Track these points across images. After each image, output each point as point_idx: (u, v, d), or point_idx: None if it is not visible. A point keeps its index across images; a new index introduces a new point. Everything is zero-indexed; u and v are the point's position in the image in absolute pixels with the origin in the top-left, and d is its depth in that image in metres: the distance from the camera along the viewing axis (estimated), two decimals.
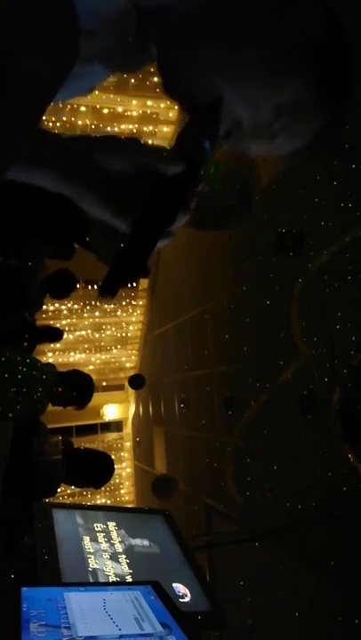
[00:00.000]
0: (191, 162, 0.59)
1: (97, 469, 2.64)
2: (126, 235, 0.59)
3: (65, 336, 7.09)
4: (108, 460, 2.69)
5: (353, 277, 2.57)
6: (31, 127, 0.52)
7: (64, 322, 7.05)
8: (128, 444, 8.49)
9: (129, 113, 5.75)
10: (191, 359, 5.29)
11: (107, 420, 8.23)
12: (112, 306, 7.34)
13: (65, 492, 6.78)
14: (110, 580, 1.34)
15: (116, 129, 5.78)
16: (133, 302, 7.47)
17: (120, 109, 5.70)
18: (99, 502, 7.49)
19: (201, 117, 0.62)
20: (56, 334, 4.34)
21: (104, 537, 1.53)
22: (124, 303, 7.42)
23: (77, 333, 7.32)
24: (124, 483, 8.23)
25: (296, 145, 0.67)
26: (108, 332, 7.60)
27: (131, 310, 7.53)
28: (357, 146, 2.50)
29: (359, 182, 2.52)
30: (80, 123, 5.69)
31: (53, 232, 1.79)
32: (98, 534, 1.53)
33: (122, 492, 8.16)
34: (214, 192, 1.71)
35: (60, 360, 7.18)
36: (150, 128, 5.80)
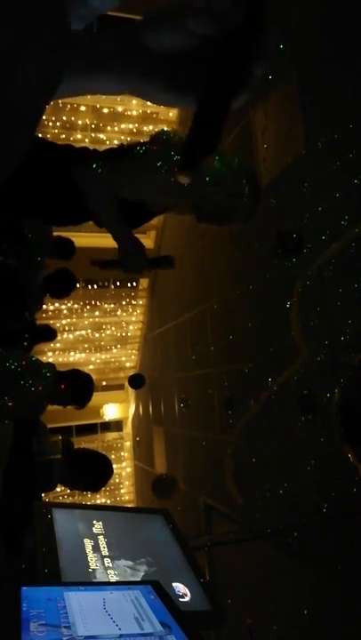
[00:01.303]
0: (248, 6, 0.50)
1: (95, 473, 2.63)
2: (198, 106, 0.52)
3: (65, 335, 7.11)
4: (107, 464, 2.68)
5: (353, 277, 2.57)
6: (31, 133, 0.51)
7: (64, 321, 7.05)
8: (128, 443, 8.49)
9: (129, 112, 5.76)
10: (191, 359, 5.29)
11: (107, 419, 8.23)
12: (112, 305, 7.34)
13: (65, 492, 6.78)
14: (110, 579, 1.34)
15: (116, 128, 5.78)
16: (133, 302, 7.47)
17: (120, 109, 5.71)
18: (99, 502, 7.49)
19: None
20: (51, 334, 4.35)
21: (104, 536, 1.53)
22: (124, 303, 7.42)
23: (77, 333, 7.32)
24: (124, 482, 8.23)
25: None
26: (107, 332, 7.60)
27: (131, 310, 7.53)
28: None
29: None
30: (80, 122, 5.69)
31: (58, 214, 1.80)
32: (98, 534, 1.53)
33: (122, 491, 8.16)
34: (222, 186, 1.70)
35: (60, 360, 7.18)
36: (150, 128, 5.80)
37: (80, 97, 5.63)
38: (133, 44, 0.56)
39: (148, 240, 6.51)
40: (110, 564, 1.40)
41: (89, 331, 7.41)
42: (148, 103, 5.57)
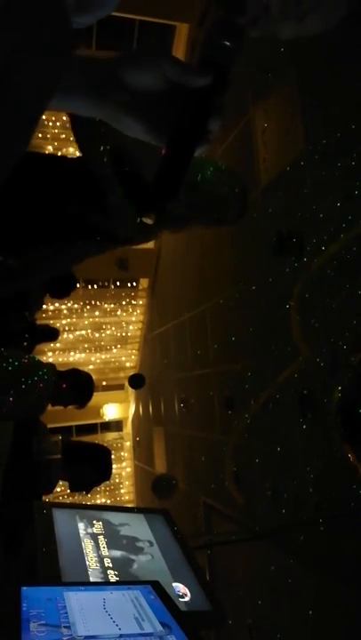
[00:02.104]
0: (217, 67, 0.58)
1: (96, 462, 2.62)
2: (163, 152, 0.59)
3: (65, 335, 7.11)
4: (106, 454, 2.67)
5: (353, 277, 2.57)
6: (30, 133, 0.51)
7: (64, 321, 7.05)
8: (128, 443, 8.49)
9: None
10: (191, 359, 5.29)
11: (107, 419, 8.23)
12: (112, 305, 7.34)
13: (65, 492, 6.78)
14: (110, 579, 1.34)
15: None
16: (133, 302, 7.47)
17: None
18: (99, 502, 7.49)
19: (223, 8, 0.60)
20: (52, 334, 4.35)
21: (104, 536, 1.53)
22: (124, 303, 7.42)
23: (77, 333, 7.32)
24: (124, 482, 8.23)
25: (329, 21, 0.64)
26: (108, 332, 7.60)
27: (131, 310, 7.53)
28: None
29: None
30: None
31: (56, 236, 1.80)
32: (98, 534, 1.53)
33: (122, 491, 8.16)
34: (210, 190, 1.71)
35: (60, 359, 7.18)
36: None
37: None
38: (112, 74, 0.59)
39: None
40: (110, 564, 1.40)
41: (89, 331, 7.41)
42: None
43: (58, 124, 5.57)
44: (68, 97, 0.60)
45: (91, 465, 2.60)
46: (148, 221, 0.56)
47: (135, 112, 0.60)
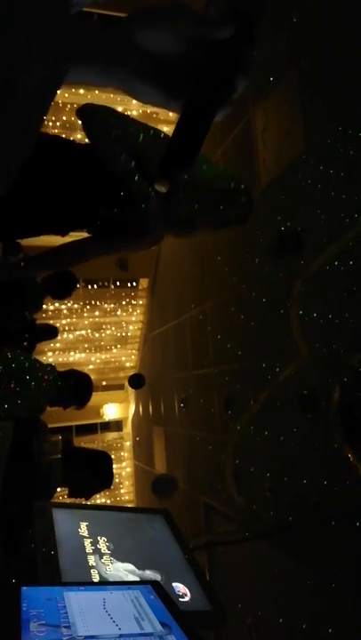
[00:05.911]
0: (244, 17, 0.51)
1: (96, 469, 2.62)
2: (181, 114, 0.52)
3: (65, 335, 7.11)
4: (108, 460, 2.67)
5: (353, 277, 2.57)
6: (35, 133, 0.50)
7: (64, 321, 7.05)
8: (128, 443, 8.49)
9: (129, 112, 5.76)
10: (191, 359, 5.29)
11: (107, 419, 8.23)
12: (112, 305, 7.34)
13: (65, 492, 6.78)
14: (110, 579, 1.34)
15: None
16: (133, 302, 7.47)
17: (120, 109, 5.70)
18: (99, 502, 7.49)
19: None
20: (52, 331, 4.35)
21: (104, 536, 1.53)
22: (124, 303, 7.42)
23: (77, 333, 7.32)
24: (124, 482, 8.23)
25: None
26: (107, 332, 7.60)
27: (131, 310, 7.53)
28: None
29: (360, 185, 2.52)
30: (80, 122, 5.68)
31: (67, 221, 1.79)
32: (98, 534, 1.53)
33: (122, 491, 8.16)
34: (213, 193, 1.70)
35: (60, 360, 7.18)
36: None
37: (80, 97, 5.60)
38: (122, 39, 0.54)
39: None
40: (110, 564, 1.40)
41: (89, 331, 7.41)
42: None
43: (58, 123, 5.57)
44: (75, 66, 0.54)
45: (91, 472, 2.59)
46: (162, 189, 0.51)
47: (151, 78, 0.55)
